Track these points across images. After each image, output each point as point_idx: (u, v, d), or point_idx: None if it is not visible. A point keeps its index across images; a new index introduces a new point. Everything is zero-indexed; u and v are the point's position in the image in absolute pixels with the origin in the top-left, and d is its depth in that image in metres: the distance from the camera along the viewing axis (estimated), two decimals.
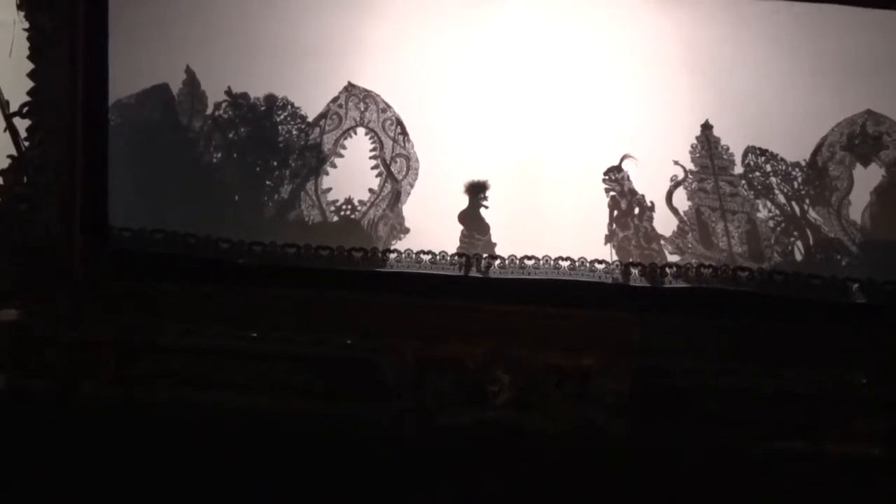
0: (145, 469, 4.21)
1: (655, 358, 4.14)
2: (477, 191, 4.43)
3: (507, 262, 4.31)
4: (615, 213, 4.42)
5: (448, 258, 4.33)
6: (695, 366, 4.14)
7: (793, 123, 4.34)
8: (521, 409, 4.13)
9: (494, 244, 4.43)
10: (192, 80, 4.52)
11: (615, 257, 4.37)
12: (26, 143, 4.34)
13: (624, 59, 4.36)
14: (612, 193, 4.42)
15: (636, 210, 4.42)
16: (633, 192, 4.42)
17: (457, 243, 4.42)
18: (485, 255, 4.34)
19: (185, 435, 4.23)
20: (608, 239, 4.39)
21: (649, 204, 4.41)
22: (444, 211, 4.42)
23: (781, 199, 4.40)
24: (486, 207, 4.44)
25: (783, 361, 4.15)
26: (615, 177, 4.42)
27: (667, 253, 4.42)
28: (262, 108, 4.49)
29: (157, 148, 4.52)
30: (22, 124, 4.35)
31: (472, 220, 4.46)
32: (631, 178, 4.40)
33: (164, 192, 4.49)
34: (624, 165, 4.40)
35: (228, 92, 4.50)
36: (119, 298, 4.35)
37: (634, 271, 4.29)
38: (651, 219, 4.42)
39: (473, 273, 4.33)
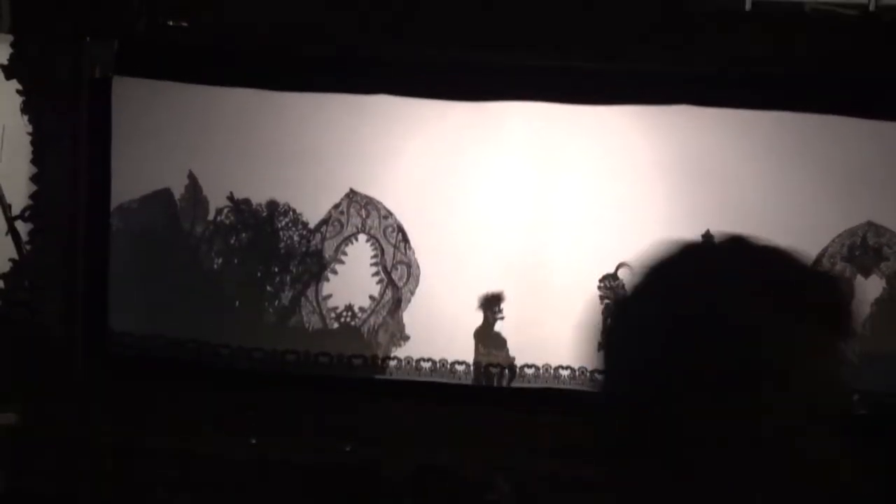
0: None
1: None
2: (491, 304, 4.36)
3: (506, 370, 4.32)
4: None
5: (448, 366, 4.34)
6: None
7: (794, 234, 4.27)
8: None
9: (513, 358, 4.37)
10: (194, 186, 4.51)
11: None
12: (28, 247, 4.37)
13: (624, 169, 4.32)
14: (606, 301, 4.39)
15: None
16: None
17: (460, 351, 4.36)
18: (484, 364, 4.34)
19: None
20: (601, 346, 4.34)
21: None
22: (445, 318, 4.38)
23: None
24: (502, 319, 4.37)
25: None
26: (610, 284, 4.38)
27: None
28: (264, 214, 4.48)
29: (159, 253, 4.53)
30: (24, 228, 4.40)
31: (488, 337, 4.38)
32: (626, 286, 4.34)
33: (165, 296, 4.49)
34: (619, 273, 4.37)
35: (230, 197, 4.49)
36: (118, 402, 4.35)
37: None
38: None
39: (473, 382, 4.33)
